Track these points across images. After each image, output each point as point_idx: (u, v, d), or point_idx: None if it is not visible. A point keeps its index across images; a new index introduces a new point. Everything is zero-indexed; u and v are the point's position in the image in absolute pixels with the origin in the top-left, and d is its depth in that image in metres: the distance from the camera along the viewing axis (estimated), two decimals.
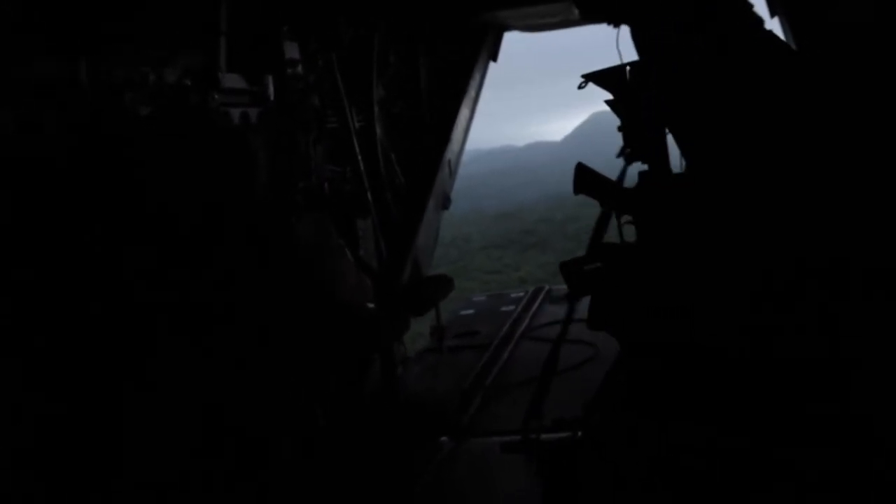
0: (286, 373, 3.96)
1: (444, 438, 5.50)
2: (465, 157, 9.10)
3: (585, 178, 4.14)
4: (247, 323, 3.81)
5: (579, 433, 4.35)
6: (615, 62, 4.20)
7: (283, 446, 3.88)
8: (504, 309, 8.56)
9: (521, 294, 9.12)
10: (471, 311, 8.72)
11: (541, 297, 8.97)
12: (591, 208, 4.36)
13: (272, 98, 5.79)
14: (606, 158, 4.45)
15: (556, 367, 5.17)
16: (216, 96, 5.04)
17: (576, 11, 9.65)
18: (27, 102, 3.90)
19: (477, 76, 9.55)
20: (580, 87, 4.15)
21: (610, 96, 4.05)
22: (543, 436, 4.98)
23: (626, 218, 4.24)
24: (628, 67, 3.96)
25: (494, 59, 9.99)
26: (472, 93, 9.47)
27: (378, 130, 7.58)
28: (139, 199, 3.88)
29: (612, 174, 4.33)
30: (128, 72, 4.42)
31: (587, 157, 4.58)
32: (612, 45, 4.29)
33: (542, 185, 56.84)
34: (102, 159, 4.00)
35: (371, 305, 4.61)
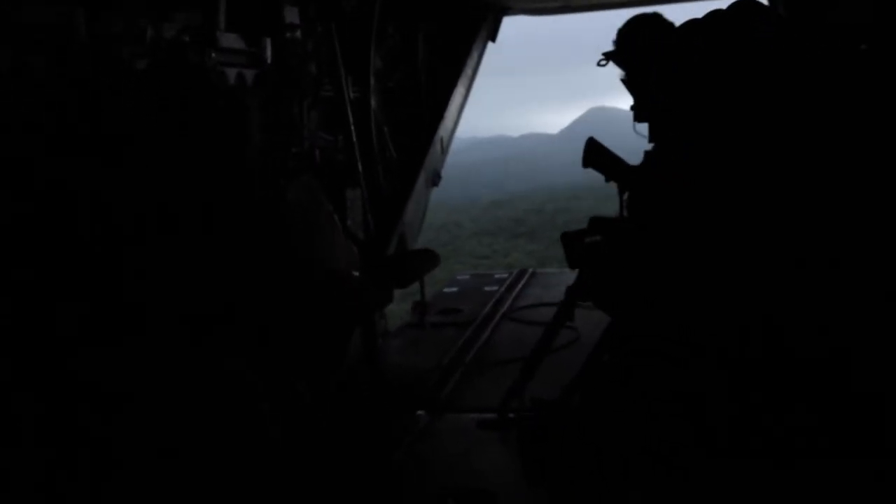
0: (274, 342, 3.95)
1: (420, 412, 5.51)
2: (460, 145, 9.17)
3: (595, 152, 4.19)
4: (235, 285, 3.79)
5: (559, 413, 4.37)
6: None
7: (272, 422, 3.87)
8: (487, 289, 8.58)
9: (506, 275, 9.14)
10: (454, 289, 8.74)
11: (524, 279, 8.98)
12: (581, 201, 4.41)
13: (269, 61, 5.75)
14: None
15: (546, 350, 5.22)
16: (213, 55, 5.00)
17: None
18: (24, 48, 3.86)
19: (475, 55, 9.55)
20: (599, 64, 4.18)
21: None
22: (521, 415, 5.03)
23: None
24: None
25: (493, 39, 9.98)
26: (468, 72, 9.47)
27: (373, 102, 7.55)
28: (129, 154, 3.85)
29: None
30: (126, 24, 4.38)
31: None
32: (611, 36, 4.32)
33: (536, 176, 57.33)
34: (95, 110, 3.97)
35: (356, 274, 4.60)
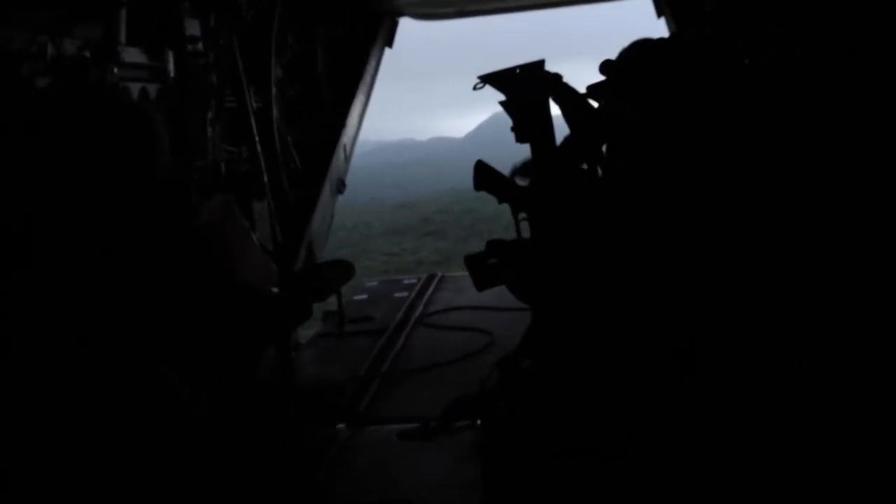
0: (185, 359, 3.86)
1: (340, 426, 5.45)
2: (367, 148, 9.21)
3: (484, 175, 4.25)
4: (144, 302, 3.69)
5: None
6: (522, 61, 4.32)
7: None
8: (397, 295, 8.55)
9: (414, 280, 9.12)
10: (364, 297, 8.68)
11: (434, 283, 8.99)
12: (487, 202, 4.46)
13: (172, 74, 5.64)
14: (506, 156, 4.55)
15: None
16: (115, 70, 4.87)
17: (469, 4, 9.81)
18: None
19: (373, 62, 9.53)
20: (475, 88, 4.25)
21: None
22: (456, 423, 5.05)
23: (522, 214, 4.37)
24: (518, 70, 4.09)
25: (390, 45, 9.98)
26: (367, 78, 9.45)
27: (275, 112, 7.47)
28: (35, 175, 3.72)
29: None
30: (25, 41, 4.23)
31: (488, 154, 4.68)
32: (519, 43, 4.38)
33: (443, 179, 58.11)
34: None
35: (275, 290, 4.52)
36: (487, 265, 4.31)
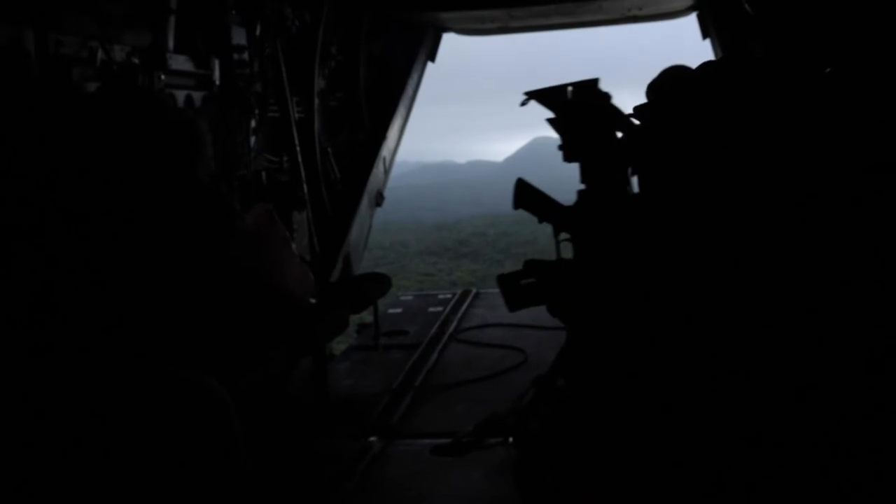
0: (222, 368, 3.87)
1: (372, 439, 5.44)
2: (406, 169, 9.26)
3: (526, 193, 4.21)
4: (187, 311, 3.71)
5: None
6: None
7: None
8: (432, 310, 8.54)
9: (449, 296, 9.11)
10: (398, 311, 8.67)
11: (469, 299, 8.97)
12: (523, 226, 4.44)
13: (217, 83, 5.68)
14: (545, 182, 4.53)
15: None
16: (162, 77, 4.92)
17: (514, 20, 9.83)
18: None
19: (415, 76, 9.57)
20: (522, 105, 4.22)
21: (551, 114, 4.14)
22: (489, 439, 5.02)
23: (563, 235, 4.33)
24: (570, 88, 4.05)
25: (433, 59, 10.01)
26: (409, 92, 9.49)
27: (317, 123, 7.51)
28: (82, 178, 3.75)
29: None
30: (76, 46, 4.28)
31: (527, 178, 4.64)
32: (560, 65, 4.37)
33: (480, 202, 58.75)
34: (44, 134, 3.87)
35: (313, 300, 4.54)
36: (521, 285, 4.28)
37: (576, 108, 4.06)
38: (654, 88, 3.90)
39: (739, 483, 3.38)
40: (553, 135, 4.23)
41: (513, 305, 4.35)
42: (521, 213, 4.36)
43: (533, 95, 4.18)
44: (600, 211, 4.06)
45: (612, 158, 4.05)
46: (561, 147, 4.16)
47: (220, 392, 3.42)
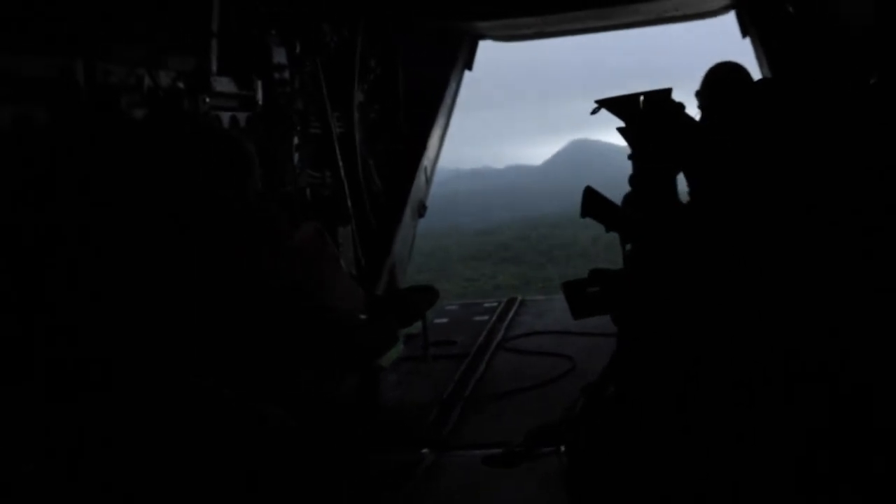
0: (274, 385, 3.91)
1: (424, 451, 5.46)
2: (445, 176, 9.25)
3: (593, 201, 4.18)
4: (240, 330, 3.76)
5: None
6: (598, 87, 4.29)
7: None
8: (478, 318, 8.55)
9: (495, 304, 9.11)
10: (444, 320, 8.70)
11: (514, 307, 8.98)
12: (563, 229, 4.44)
13: (260, 102, 5.75)
14: (583, 184, 4.50)
15: None
16: (207, 100, 4.98)
17: (549, 26, 9.83)
18: (24, 101, 3.84)
19: (453, 84, 9.60)
20: (593, 113, 4.18)
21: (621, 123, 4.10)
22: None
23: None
24: (642, 97, 4.00)
25: (470, 67, 10.04)
26: (447, 101, 9.51)
27: (357, 136, 7.55)
28: (135, 203, 3.82)
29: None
30: (123, 74, 4.36)
31: (565, 182, 4.65)
32: (597, 73, 4.34)
33: (520, 206, 58.86)
34: (98, 162, 3.94)
35: (363, 316, 4.58)
36: (586, 293, 4.27)
37: (648, 118, 4.03)
38: (708, 94, 3.89)
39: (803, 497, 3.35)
40: (591, 136, 4.23)
41: (578, 313, 4.34)
42: (560, 215, 4.40)
43: (603, 104, 4.14)
44: (664, 219, 4.03)
45: (681, 166, 4.01)
46: (630, 157, 4.13)
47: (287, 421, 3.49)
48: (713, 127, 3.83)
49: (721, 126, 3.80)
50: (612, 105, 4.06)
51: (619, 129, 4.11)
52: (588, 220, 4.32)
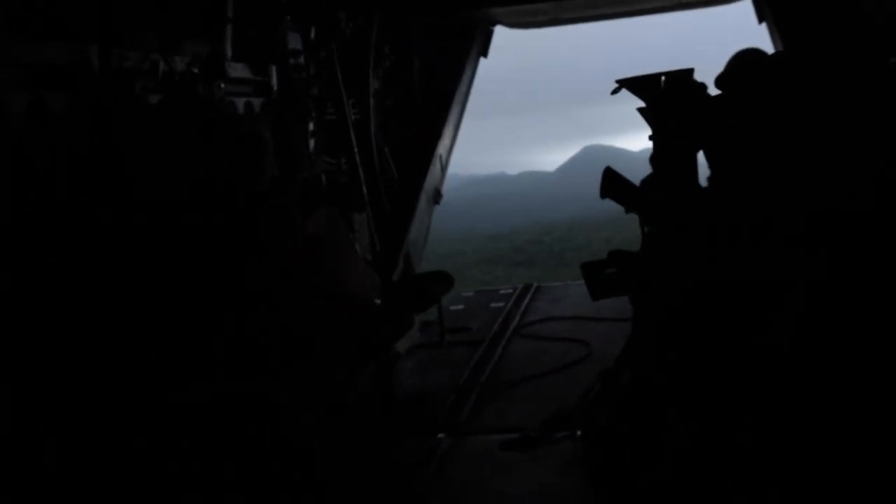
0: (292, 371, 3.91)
1: (441, 435, 5.47)
2: (461, 182, 9.26)
3: (613, 182, 4.16)
4: (256, 317, 3.76)
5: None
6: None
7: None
8: (494, 305, 8.54)
9: (511, 290, 9.10)
10: (461, 307, 8.69)
11: (530, 293, 8.95)
12: (576, 233, 4.43)
13: (275, 88, 5.74)
14: (597, 190, 4.50)
15: None
16: (222, 85, 4.98)
17: (565, 12, 9.79)
18: (39, 86, 3.84)
19: (468, 71, 9.55)
20: (613, 93, 4.17)
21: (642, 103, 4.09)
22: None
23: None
24: (664, 77, 3.99)
25: (485, 55, 9.99)
26: (463, 88, 9.47)
27: (373, 123, 7.54)
28: (151, 188, 3.83)
29: (604, 206, 4.37)
30: (138, 59, 4.36)
31: (578, 188, 4.65)
32: (610, 79, 4.30)
33: (533, 211, 59.55)
34: (113, 147, 3.94)
35: (378, 301, 4.57)
36: (605, 274, 4.26)
37: (670, 97, 4.01)
38: (730, 77, 3.87)
39: (824, 480, 3.34)
40: (604, 142, 4.22)
41: (596, 294, 4.34)
42: (573, 220, 4.41)
43: (624, 84, 4.13)
44: (683, 200, 4.02)
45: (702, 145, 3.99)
46: (651, 137, 4.12)
47: None
48: (735, 109, 3.81)
49: (742, 108, 3.77)
50: (633, 85, 4.05)
51: (639, 110, 4.09)
52: (601, 224, 4.31)
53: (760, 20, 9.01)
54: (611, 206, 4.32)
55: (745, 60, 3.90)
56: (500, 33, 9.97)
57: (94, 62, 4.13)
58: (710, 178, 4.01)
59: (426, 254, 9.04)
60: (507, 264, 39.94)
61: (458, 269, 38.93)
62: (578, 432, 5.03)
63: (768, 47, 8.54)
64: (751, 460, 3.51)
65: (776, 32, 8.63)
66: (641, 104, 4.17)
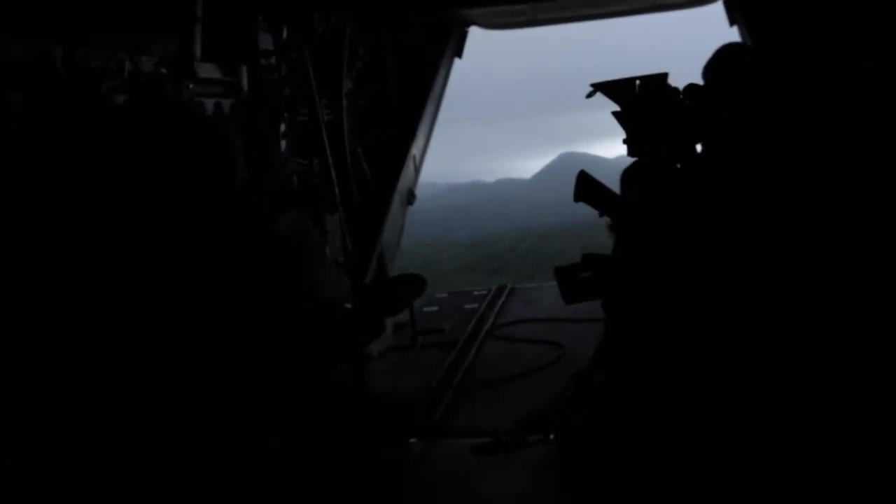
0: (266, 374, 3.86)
1: (413, 440, 5.43)
2: (438, 191, 9.28)
3: (587, 186, 4.14)
4: (227, 320, 3.70)
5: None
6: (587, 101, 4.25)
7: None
8: (468, 307, 8.52)
9: (485, 292, 9.08)
10: (434, 308, 8.66)
11: (504, 295, 8.94)
12: (552, 240, 4.43)
13: (245, 89, 5.68)
14: (572, 197, 4.48)
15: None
16: (191, 86, 4.92)
17: (541, 13, 9.77)
18: (2, 86, 3.77)
19: (442, 72, 9.52)
20: (588, 97, 4.15)
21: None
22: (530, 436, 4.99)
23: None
24: (638, 81, 3.98)
25: (459, 55, 9.95)
26: (437, 89, 9.43)
27: (346, 124, 7.48)
28: (116, 189, 3.76)
29: (579, 212, 4.35)
30: (104, 59, 4.29)
31: (555, 195, 4.64)
32: (584, 87, 4.28)
33: (510, 218, 60.15)
34: (77, 148, 3.88)
35: (349, 305, 4.52)
36: (578, 278, 4.22)
37: (643, 101, 4.00)
38: (712, 67, 3.87)
39: (790, 481, 3.33)
40: (579, 149, 4.21)
41: (570, 298, 4.30)
42: (549, 226, 4.39)
43: (599, 87, 4.11)
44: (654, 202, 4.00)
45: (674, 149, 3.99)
46: (626, 141, 4.10)
47: None
48: (713, 106, 3.80)
49: (722, 104, 3.77)
50: (608, 89, 4.03)
51: (615, 113, 4.08)
52: (577, 230, 4.30)
53: (732, 23, 9.03)
54: (587, 212, 4.30)
55: (729, 52, 3.91)
56: (481, 40, 9.94)
57: (59, 63, 4.06)
58: (685, 170, 4.00)
59: (402, 261, 9.03)
60: (484, 271, 40.62)
61: (436, 277, 39.61)
62: (552, 435, 5.01)
63: None
64: (737, 458, 3.49)
65: (747, 35, 8.65)
66: (616, 108, 4.16)
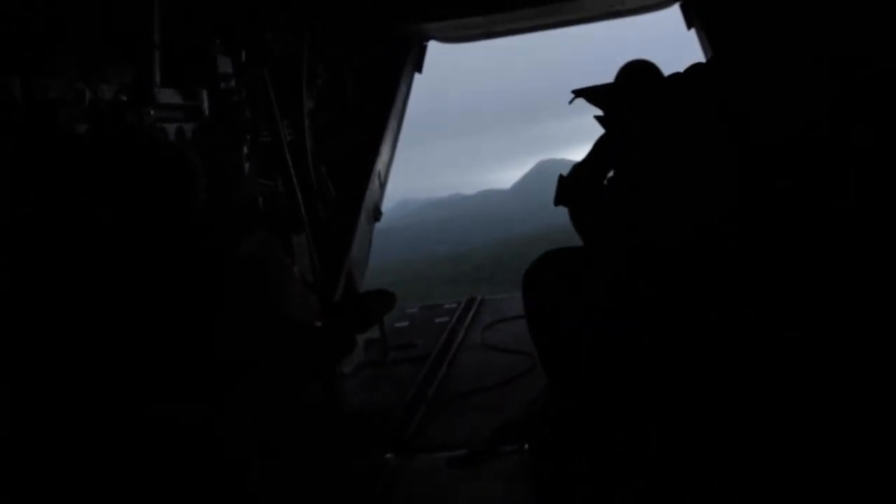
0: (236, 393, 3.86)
1: (388, 455, 5.43)
2: (418, 206, 9.31)
3: (567, 190, 4.20)
4: (194, 345, 3.70)
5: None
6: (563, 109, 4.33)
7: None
8: (439, 320, 8.53)
9: (455, 305, 9.10)
10: (405, 324, 8.67)
11: (475, 306, 8.97)
12: (534, 246, 4.47)
13: (207, 113, 5.68)
14: (552, 204, 4.54)
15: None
16: (152, 112, 4.91)
17: (497, 25, 9.82)
18: None
19: (403, 87, 9.56)
20: (570, 103, 4.20)
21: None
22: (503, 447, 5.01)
23: None
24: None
25: (419, 70, 10.01)
26: (398, 104, 9.47)
27: (308, 142, 7.49)
28: (81, 221, 3.75)
29: (559, 219, 4.40)
30: (62, 89, 4.28)
31: (535, 202, 4.71)
32: (559, 95, 4.36)
33: (492, 229, 60.76)
34: (37, 179, 3.86)
35: (318, 324, 4.52)
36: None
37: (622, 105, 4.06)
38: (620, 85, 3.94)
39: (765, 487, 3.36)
40: (557, 156, 4.26)
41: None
42: (531, 234, 4.44)
43: (581, 94, 4.15)
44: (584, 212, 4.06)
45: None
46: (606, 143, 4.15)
47: None
48: (624, 121, 3.87)
49: (632, 119, 3.82)
50: (590, 94, 4.09)
51: (597, 118, 4.14)
52: (558, 237, 4.35)
53: (689, 26, 9.14)
54: (568, 219, 4.35)
55: (630, 71, 3.98)
56: (447, 57, 10.01)
57: (17, 93, 4.05)
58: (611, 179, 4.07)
59: (389, 279, 9.09)
60: (470, 281, 41.81)
61: (425, 290, 40.23)
62: (526, 445, 5.03)
63: (698, 55, 8.70)
64: (735, 457, 3.51)
65: (705, 38, 8.76)
66: (598, 113, 4.22)
